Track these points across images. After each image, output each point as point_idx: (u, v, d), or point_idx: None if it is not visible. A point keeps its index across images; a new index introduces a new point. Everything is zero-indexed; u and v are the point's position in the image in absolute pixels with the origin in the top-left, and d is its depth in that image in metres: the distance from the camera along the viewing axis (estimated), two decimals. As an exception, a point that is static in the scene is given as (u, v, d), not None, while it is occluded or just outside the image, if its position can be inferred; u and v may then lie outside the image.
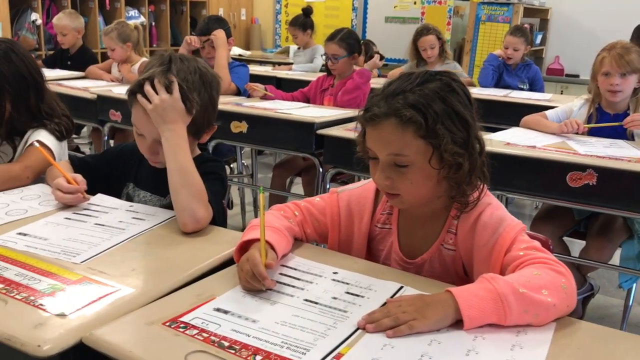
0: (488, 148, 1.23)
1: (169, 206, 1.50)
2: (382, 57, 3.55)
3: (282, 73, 4.89)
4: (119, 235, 1.30)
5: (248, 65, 3.81)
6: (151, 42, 7.23)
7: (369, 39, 5.38)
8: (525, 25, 4.42)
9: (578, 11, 6.45)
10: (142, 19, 7.09)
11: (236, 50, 7.09)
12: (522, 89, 4.33)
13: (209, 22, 3.60)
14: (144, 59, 4.10)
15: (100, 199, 1.52)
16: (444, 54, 4.53)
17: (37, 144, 1.75)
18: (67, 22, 4.28)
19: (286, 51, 6.99)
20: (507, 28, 5.84)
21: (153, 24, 7.39)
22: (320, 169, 2.85)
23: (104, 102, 3.35)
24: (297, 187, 3.72)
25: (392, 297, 1.08)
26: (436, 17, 6.37)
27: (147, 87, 1.39)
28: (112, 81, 4.00)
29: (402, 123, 1.12)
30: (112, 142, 3.77)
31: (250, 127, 2.95)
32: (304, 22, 5.16)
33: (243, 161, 3.90)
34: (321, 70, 5.25)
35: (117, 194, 1.60)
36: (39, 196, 1.55)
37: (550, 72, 6.68)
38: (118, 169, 1.66)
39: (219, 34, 3.47)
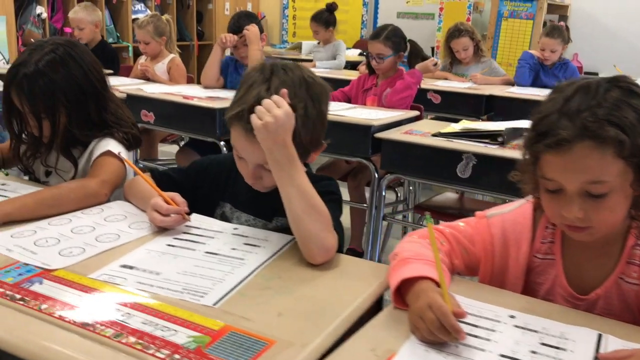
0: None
1: (276, 230, 1.32)
2: (435, 63, 3.39)
3: (306, 71, 4.68)
4: (241, 268, 1.11)
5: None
6: (157, 37, 6.99)
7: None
8: (561, 23, 4.26)
9: (597, 9, 6.32)
10: (149, 12, 6.85)
11: (246, 46, 6.86)
12: (557, 89, 4.17)
13: (239, 18, 3.39)
14: (173, 55, 3.89)
15: (199, 220, 1.33)
16: (479, 52, 4.37)
17: (111, 155, 1.55)
18: (83, 16, 4.05)
19: (298, 47, 6.78)
20: (530, 25, 5.70)
21: (159, 18, 7.15)
22: (376, 175, 2.68)
23: (135, 102, 3.14)
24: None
25: (597, 350, 0.91)
26: (455, 13, 6.20)
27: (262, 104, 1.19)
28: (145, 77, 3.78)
29: (599, 144, 0.95)
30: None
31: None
32: (327, 18, 4.97)
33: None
34: (346, 68, 5.07)
35: (205, 213, 1.40)
36: (124, 217, 1.36)
37: (569, 70, 6.55)
38: (206, 185, 1.46)
39: (251, 29, 3.27)
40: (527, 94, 3.81)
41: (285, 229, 1.31)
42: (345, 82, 4.33)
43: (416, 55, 3.29)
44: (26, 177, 1.78)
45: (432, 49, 6.51)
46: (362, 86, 3.32)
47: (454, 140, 2.43)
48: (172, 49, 3.97)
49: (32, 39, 5.42)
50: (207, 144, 3.08)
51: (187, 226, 1.30)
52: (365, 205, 3.20)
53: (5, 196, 1.46)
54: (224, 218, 1.41)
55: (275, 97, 1.17)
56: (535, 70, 4.23)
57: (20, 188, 1.53)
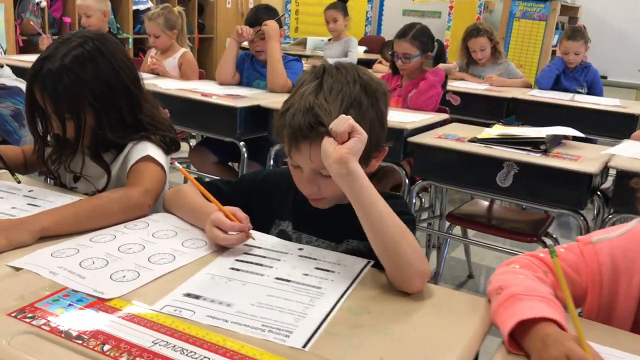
0: None
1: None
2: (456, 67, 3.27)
3: (318, 68, 4.53)
4: (321, 299, 0.97)
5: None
6: (158, 29, 6.81)
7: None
8: (580, 24, 4.15)
9: (608, 11, 6.24)
10: (150, 4, 6.67)
11: (249, 41, 6.70)
12: (580, 93, 4.07)
13: (257, 11, 3.25)
14: (185, 49, 3.73)
15: (260, 239, 1.19)
16: (497, 54, 4.25)
17: (151, 161, 1.41)
18: (92, 3, 3.89)
19: (303, 43, 6.64)
20: (542, 26, 5.60)
21: (160, 9, 6.97)
22: (407, 181, 2.55)
23: (148, 98, 2.99)
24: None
25: None
26: (465, 12, 6.08)
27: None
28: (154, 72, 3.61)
29: None
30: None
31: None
32: (344, 6, 4.84)
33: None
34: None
35: (259, 230, 1.26)
36: (174, 233, 1.21)
37: (577, 73, 6.47)
38: (260, 201, 1.32)
39: (270, 24, 3.12)
40: (549, 98, 3.70)
41: (356, 253, 1.17)
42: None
43: (443, 56, 3.16)
44: (50, 182, 1.63)
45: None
46: (385, 87, 3.18)
47: (493, 146, 2.31)
48: (184, 43, 3.81)
49: (32, 29, 5.23)
50: (224, 144, 2.94)
51: (247, 245, 1.16)
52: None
53: (35, 205, 1.32)
54: (283, 238, 1.26)
55: (346, 121, 1.03)
56: (557, 74, 4.13)
57: (49, 195, 1.39)
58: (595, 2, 6.28)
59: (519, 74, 4.28)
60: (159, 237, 1.19)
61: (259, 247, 1.16)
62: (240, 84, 3.29)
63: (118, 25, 6.49)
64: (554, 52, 5.80)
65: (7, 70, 1.99)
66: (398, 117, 2.63)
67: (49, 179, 1.61)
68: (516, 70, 4.28)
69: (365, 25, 7.61)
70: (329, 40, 5.07)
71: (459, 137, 2.44)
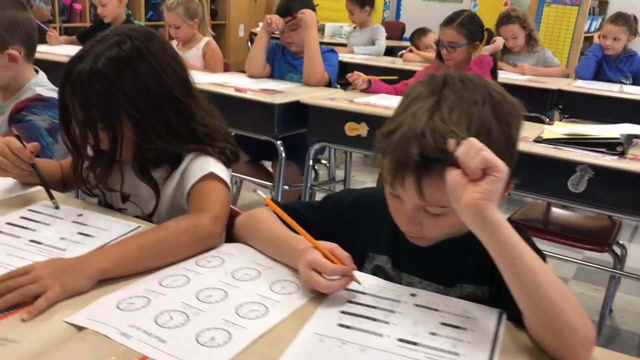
0: None
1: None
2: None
3: (345, 57, 4.29)
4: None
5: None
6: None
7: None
8: (630, 13, 3.91)
9: (640, -4, 5.98)
10: (162, -11, 6.43)
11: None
12: (624, 84, 3.85)
13: (289, 0, 3.02)
14: (207, 38, 3.51)
15: (366, 281, 0.99)
16: (532, 42, 4.01)
17: (215, 179, 1.21)
18: None
19: (320, 29, 6.38)
20: (575, 11, 5.36)
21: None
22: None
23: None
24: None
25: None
26: (492, -2, 5.84)
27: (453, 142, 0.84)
28: None
29: None
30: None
31: (372, 130, 2.42)
32: (364, -2, 4.61)
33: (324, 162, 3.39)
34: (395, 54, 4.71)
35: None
36: (257, 272, 1.01)
37: (606, 59, 6.23)
38: (349, 228, 1.12)
39: (308, 13, 2.90)
40: (595, 90, 3.48)
41: (469, 299, 0.98)
42: (387, 70, 3.97)
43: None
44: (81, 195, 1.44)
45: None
46: (429, 78, 2.96)
47: (562, 147, 2.11)
48: (206, 32, 3.60)
49: (42, 16, 5.01)
50: (256, 141, 2.74)
51: (349, 290, 0.96)
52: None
53: (86, 234, 1.12)
54: (379, 276, 1.06)
55: (479, 152, 0.81)
56: (599, 64, 3.90)
57: (100, 221, 1.19)
58: (626, -13, 6.03)
59: (555, 62, 4.01)
60: (241, 278, 0.99)
61: (364, 293, 0.96)
62: (270, 76, 3.07)
63: (129, 12, 6.24)
64: (586, 39, 5.57)
65: (43, 77, 1.78)
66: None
67: (98, 200, 1.41)
68: (553, 59, 4.02)
69: (384, 11, 7.36)
70: (354, 28, 4.84)
71: (521, 136, 2.23)
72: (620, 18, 3.83)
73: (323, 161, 3.40)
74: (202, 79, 2.81)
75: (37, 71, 1.81)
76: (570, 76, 4.09)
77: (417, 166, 0.87)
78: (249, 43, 6.44)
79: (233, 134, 2.92)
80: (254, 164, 2.97)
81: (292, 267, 1.02)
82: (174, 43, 3.59)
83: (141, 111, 1.18)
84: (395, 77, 3.14)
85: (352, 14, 4.64)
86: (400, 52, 4.98)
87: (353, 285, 0.96)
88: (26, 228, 1.13)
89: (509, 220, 1.12)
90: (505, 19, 3.95)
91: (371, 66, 4.00)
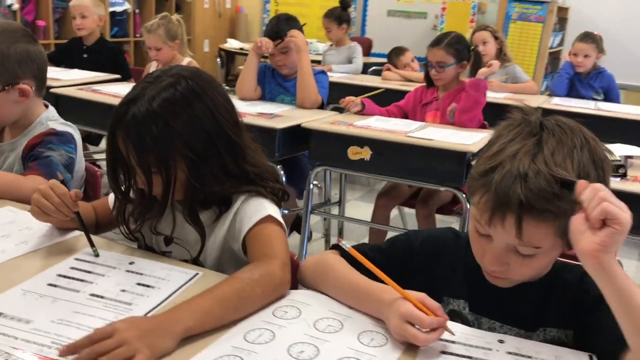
0: None
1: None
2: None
3: (325, 76, 4.28)
4: None
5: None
6: (135, 32, 6.46)
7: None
8: (596, 33, 4.05)
9: (596, 11, 6.21)
10: (127, 5, 6.32)
11: (233, 44, 6.43)
12: (596, 100, 3.98)
13: (278, 23, 2.99)
14: (188, 59, 3.46)
15: (455, 330, 0.98)
16: (502, 56, 4.08)
17: (273, 222, 1.18)
18: (89, 3, 3.59)
19: (289, 45, 6.39)
20: (540, 28, 5.52)
21: (137, 11, 6.62)
22: (468, 206, 2.37)
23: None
24: (396, 219, 3.23)
25: None
26: (458, 14, 5.95)
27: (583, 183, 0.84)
28: None
29: None
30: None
31: (375, 153, 2.42)
32: (339, 14, 4.62)
33: (316, 183, 3.36)
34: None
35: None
36: (340, 324, 0.98)
37: (567, 73, 6.44)
38: (419, 272, 1.11)
39: (298, 36, 2.89)
40: (572, 107, 3.57)
41: (553, 343, 0.98)
42: (368, 89, 3.99)
43: (480, 65, 2.98)
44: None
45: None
46: (420, 100, 2.99)
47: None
48: (185, 52, 3.55)
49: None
50: None
51: (442, 340, 0.94)
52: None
53: (147, 285, 1.07)
54: (456, 321, 1.05)
55: (601, 201, 0.79)
56: (571, 81, 4.02)
57: (156, 269, 1.14)
58: (584, 3, 6.26)
59: (524, 77, 4.05)
60: (325, 330, 0.96)
61: (453, 342, 0.95)
62: (261, 98, 3.04)
63: (95, 29, 6.11)
64: (551, 54, 5.75)
65: (53, 111, 1.72)
66: (453, 136, 2.44)
67: (138, 243, 1.36)
68: (522, 74, 4.06)
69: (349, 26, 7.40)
70: (331, 46, 4.85)
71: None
72: (589, 37, 3.96)
73: (315, 182, 3.38)
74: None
75: (46, 106, 1.74)
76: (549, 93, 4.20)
77: (520, 205, 0.87)
78: (218, 59, 6.39)
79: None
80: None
81: (372, 316, 1.00)
82: (154, 65, 3.52)
83: (197, 153, 1.15)
84: (381, 90, 3.18)
85: (329, 31, 4.65)
86: (372, 69, 5.02)
87: (447, 336, 0.95)
88: (82, 280, 1.08)
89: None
90: (478, 28, 4.03)
91: (352, 85, 4.00)
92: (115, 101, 2.63)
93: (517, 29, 5.58)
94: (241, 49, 6.27)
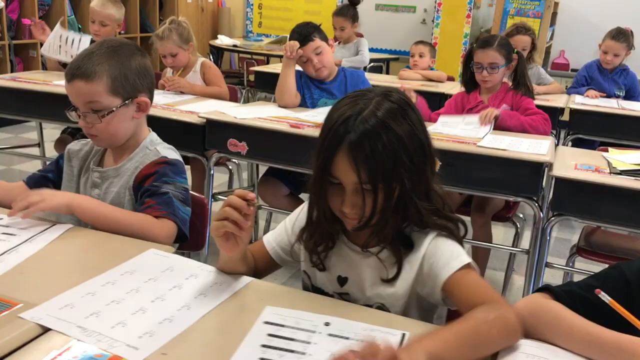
0: None
1: None
2: None
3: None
4: None
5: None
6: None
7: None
8: (627, 27, 4.04)
9: (585, 5, 6.31)
10: None
11: (224, 40, 6.26)
12: (618, 96, 4.01)
13: (304, 27, 2.83)
14: (202, 58, 3.33)
15: None
16: (530, 59, 4.05)
17: (471, 269, 1.10)
18: (113, 12, 3.39)
19: (282, 41, 6.25)
20: (537, 23, 5.55)
21: (121, 8, 6.36)
22: (540, 214, 2.34)
23: (218, 129, 2.60)
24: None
25: None
26: (454, 8, 5.93)
27: None
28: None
29: None
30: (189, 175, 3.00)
31: (445, 164, 2.36)
32: (353, 13, 4.54)
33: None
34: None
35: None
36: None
37: (555, 67, 6.52)
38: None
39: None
40: (600, 107, 3.60)
41: None
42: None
43: (523, 70, 2.95)
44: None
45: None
46: (463, 106, 2.95)
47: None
48: (195, 53, 3.39)
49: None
50: (294, 173, 2.63)
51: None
52: (495, 244, 2.85)
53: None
54: None
55: None
56: (591, 77, 4.05)
57: (358, 330, 1.03)
58: (574, -3, 6.34)
59: (549, 79, 4.05)
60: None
61: None
62: (301, 104, 2.93)
63: (80, 26, 5.84)
64: (547, 50, 5.80)
65: (155, 135, 1.60)
66: (522, 145, 2.39)
67: (303, 283, 1.27)
68: (546, 75, 4.06)
69: (336, 20, 7.32)
70: (338, 44, 4.75)
71: (594, 167, 2.26)
72: (622, 35, 3.93)
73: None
74: (247, 114, 2.64)
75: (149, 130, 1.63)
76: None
77: None
78: (210, 56, 6.21)
79: (270, 167, 2.79)
80: (294, 197, 2.84)
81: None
82: (169, 71, 3.36)
83: (415, 165, 1.09)
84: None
85: (343, 30, 4.54)
86: (371, 65, 4.89)
87: None
88: (291, 351, 0.98)
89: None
90: (516, 29, 3.88)
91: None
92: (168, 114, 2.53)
93: (515, 24, 5.59)
94: (235, 45, 6.11)
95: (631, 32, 3.99)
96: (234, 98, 3.41)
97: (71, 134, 3.45)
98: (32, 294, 1.06)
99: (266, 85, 4.32)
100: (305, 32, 2.80)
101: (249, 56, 5.96)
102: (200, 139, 2.63)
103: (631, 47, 3.96)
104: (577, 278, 2.78)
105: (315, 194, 1.14)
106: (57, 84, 2.96)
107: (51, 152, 3.54)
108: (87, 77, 1.41)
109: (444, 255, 1.13)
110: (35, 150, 3.64)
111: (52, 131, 3.52)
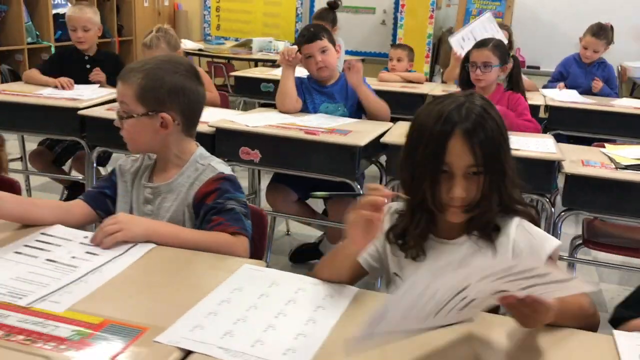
0: None
1: None
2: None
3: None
4: None
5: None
6: (78, 34, 6.03)
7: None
8: (607, 23, 4.19)
9: (539, 4, 6.54)
10: (69, 5, 5.87)
11: (188, 44, 6.16)
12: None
13: (312, 27, 2.94)
14: None
15: None
16: None
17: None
18: (91, 15, 3.32)
19: (247, 44, 6.20)
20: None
21: (79, 12, 6.17)
22: (552, 210, 2.44)
23: (229, 137, 2.58)
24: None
25: None
26: (417, 10, 6.06)
27: None
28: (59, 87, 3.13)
29: None
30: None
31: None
32: (333, 16, 4.56)
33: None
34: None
35: None
36: None
37: (513, 64, 6.74)
38: None
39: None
40: (580, 103, 3.73)
41: None
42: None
43: (518, 72, 3.06)
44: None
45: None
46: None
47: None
48: None
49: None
50: (303, 179, 2.63)
51: None
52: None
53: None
54: None
55: None
56: (568, 71, 4.22)
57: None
58: (528, -4, 6.56)
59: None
60: None
61: None
62: (302, 110, 2.94)
63: (37, 33, 5.64)
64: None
65: (203, 150, 1.60)
66: (531, 144, 2.49)
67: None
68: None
69: (296, 22, 7.35)
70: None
71: (599, 163, 2.38)
72: (602, 31, 4.08)
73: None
74: (258, 121, 2.63)
75: (196, 144, 1.63)
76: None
77: None
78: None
79: (276, 172, 2.79)
80: (302, 203, 2.85)
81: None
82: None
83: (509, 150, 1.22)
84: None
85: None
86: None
87: None
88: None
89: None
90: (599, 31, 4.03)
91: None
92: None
93: (477, 24, 5.76)
94: (200, 50, 6.03)
95: (611, 26, 4.13)
96: (224, 104, 3.39)
97: (49, 147, 3.35)
98: (150, 317, 1.04)
99: (245, 90, 4.32)
100: (315, 30, 2.85)
101: (218, 60, 5.89)
102: (208, 148, 2.59)
103: (610, 42, 4.11)
104: (581, 268, 2.95)
105: (420, 183, 1.18)
106: (38, 94, 2.89)
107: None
108: (124, 79, 1.50)
109: (538, 234, 1.22)
110: (18, 165, 3.50)
111: (34, 145, 3.39)
